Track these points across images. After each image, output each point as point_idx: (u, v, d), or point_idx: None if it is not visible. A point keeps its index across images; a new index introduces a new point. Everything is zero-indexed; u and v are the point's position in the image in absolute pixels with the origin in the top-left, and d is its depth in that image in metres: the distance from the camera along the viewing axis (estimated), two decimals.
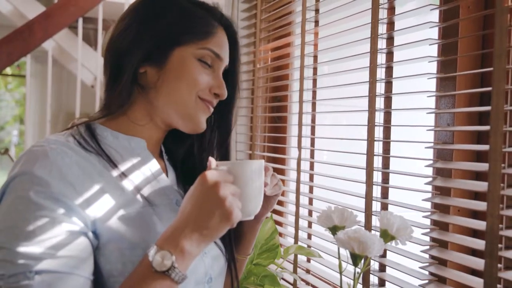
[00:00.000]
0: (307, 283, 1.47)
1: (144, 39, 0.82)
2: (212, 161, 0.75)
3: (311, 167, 1.53)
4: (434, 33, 1.08)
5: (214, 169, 0.74)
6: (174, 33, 0.84)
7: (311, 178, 1.54)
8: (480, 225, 0.91)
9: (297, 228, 1.48)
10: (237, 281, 0.96)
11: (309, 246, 1.46)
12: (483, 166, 0.91)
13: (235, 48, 0.92)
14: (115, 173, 0.79)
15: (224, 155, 0.97)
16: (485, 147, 0.90)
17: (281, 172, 1.76)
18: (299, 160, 1.50)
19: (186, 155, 0.98)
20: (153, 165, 0.87)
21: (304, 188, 1.53)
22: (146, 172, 0.85)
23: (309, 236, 1.52)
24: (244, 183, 0.76)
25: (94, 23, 3.92)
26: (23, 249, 0.67)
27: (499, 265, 0.87)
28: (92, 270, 0.73)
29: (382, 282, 1.18)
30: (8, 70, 6.12)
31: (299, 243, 1.49)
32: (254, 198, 0.78)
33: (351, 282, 0.96)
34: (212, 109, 0.89)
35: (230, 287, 0.95)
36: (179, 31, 0.84)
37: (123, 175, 0.80)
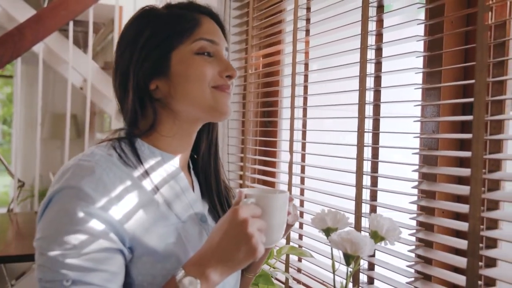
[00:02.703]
0: (299, 282, 1.53)
1: (138, 60, 0.85)
2: (242, 192, 0.79)
3: (302, 171, 1.59)
4: (420, 45, 1.14)
5: (244, 203, 0.77)
6: (163, 41, 0.86)
7: (302, 181, 1.59)
8: (463, 226, 0.97)
9: None
10: None
11: (300, 246, 1.52)
12: (465, 172, 0.97)
13: (223, 30, 0.94)
14: (149, 187, 0.83)
15: (214, 151, 1.01)
16: (467, 154, 0.96)
17: (272, 175, 1.82)
18: (290, 164, 1.55)
19: (201, 166, 1.01)
20: (183, 181, 0.91)
21: (296, 191, 1.59)
22: (176, 188, 0.89)
23: (300, 237, 1.58)
24: (270, 216, 0.80)
25: (83, 26, 3.93)
26: (62, 259, 0.71)
27: (480, 263, 0.93)
28: (122, 283, 0.77)
29: (371, 280, 1.24)
30: None
31: (291, 243, 1.55)
32: (278, 229, 0.82)
33: (342, 280, 1.01)
34: (230, 92, 0.90)
35: None
36: (167, 37, 0.86)
37: (158, 190, 0.84)
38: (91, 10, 2.88)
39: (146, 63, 0.85)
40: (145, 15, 0.90)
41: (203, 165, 1.01)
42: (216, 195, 0.99)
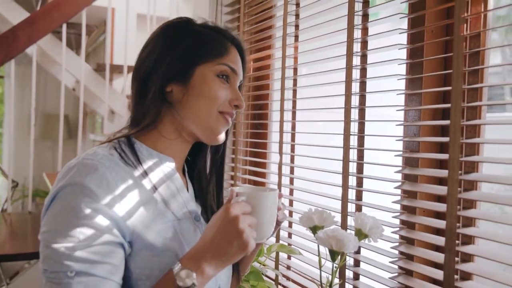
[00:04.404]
0: (288, 279, 1.58)
1: (166, 62, 0.92)
2: (234, 190, 0.85)
3: (291, 171, 1.65)
4: (402, 53, 1.20)
5: (235, 201, 0.83)
6: (194, 54, 0.93)
7: (291, 181, 1.65)
8: (441, 224, 1.03)
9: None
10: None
11: (289, 244, 1.58)
12: (443, 173, 1.04)
13: (244, 64, 1.01)
14: (148, 186, 0.88)
15: (218, 165, 1.07)
16: (445, 156, 1.02)
17: (262, 175, 1.88)
18: (280, 165, 1.61)
19: (198, 173, 1.07)
20: (178, 182, 0.96)
21: (285, 191, 1.64)
22: (172, 187, 0.94)
23: (289, 235, 1.63)
24: (260, 212, 0.85)
25: (76, 28, 3.96)
26: (66, 251, 0.76)
27: (456, 259, 1.00)
28: (122, 276, 0.82)
29: (356, 276, 1.30)
30: None
31: (280, 241, 1.60)
32: (268, 225, 0.88)
33: (329, 276, 1.07)
34: (231, 122, 0.98)
35: None
36: (198, 52, 0.93)
37: (156, 189, 0.89)
38: (84, 12, 2.91)
39: (173, 67, 0.92)
40: (185, 26, 0.97)
41: (201, 178, 1.06)
42: (210, 209, 1.05)
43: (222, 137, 0.97)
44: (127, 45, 3.24)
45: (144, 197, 0.87)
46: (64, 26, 2.89)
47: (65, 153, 3.09)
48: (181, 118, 0.94)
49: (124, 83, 3.45)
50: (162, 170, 0.94)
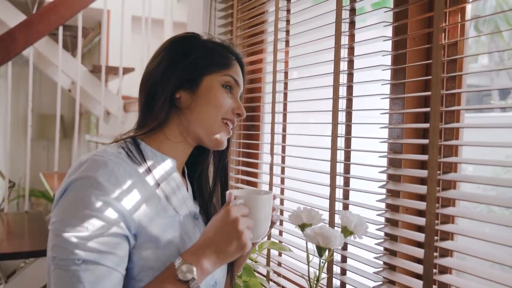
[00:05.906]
0: (279, 275, 1.64)
1: (178, 70, 1.00)
2: (232, 194, 0.92)
3: (282, 171, 1.70)
4: (387, 59, 1.26)
5: (234, 204, 0.90)
6: (202, 64, 1.02)
7: (282, 181, 1.71)
8: (422, 221, 1.09)
9: None
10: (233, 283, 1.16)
11: (280, 242, 1.63)
12: (423, 173, 1.10)
13: (243, 77, 1.11)
14: (152, 183, 0.95)
15: (222, 173, 1.14)
16: (425, 157, 1.08)
17: (254, 175, 1.93)
18: (271, 165, 1.67)
19: (199, 176, 1.15)
20: (179, 181, 1.03)
21: (276, 190, 1.70)
22: (173, 184, 1.00)
23: (280, 233, 1.69)
24: (257, 215, 0.93)
25: (72, 31, 4.00)
26: (76, 240, 0.81)
27: (435, 254, 1.06)
28: (126, 267, 0.88)
29: (343, 271, 1.36)
30: None
31: (272, 239, 1.66)
32: (263, 225, 0.95)
33: (317, 271, 1.12)
34: (231, 131, 1.06)
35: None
36: (206, 63, 1.02)
37: (158, 185, 0.96)
38: (80, 15, 2.95)
39: (184, 75, 1.00)
40: (193, 39, 1.06)
41: (201, 180, 1.14)
42: (209, 211, 1.12)
43: (224, 143, 1.05)
44: (122, 47, 3.29)
45: (148, 192, 0.93)
46: (61, 29, 2.93)
47: (61, 153, 3.13)
48: (188, 123, 1.02)
49: (119, 85, 3.49)
50: (163, 168, 1.00)
